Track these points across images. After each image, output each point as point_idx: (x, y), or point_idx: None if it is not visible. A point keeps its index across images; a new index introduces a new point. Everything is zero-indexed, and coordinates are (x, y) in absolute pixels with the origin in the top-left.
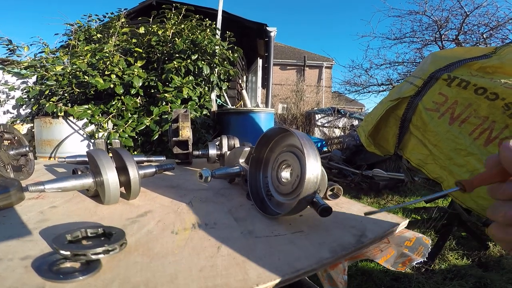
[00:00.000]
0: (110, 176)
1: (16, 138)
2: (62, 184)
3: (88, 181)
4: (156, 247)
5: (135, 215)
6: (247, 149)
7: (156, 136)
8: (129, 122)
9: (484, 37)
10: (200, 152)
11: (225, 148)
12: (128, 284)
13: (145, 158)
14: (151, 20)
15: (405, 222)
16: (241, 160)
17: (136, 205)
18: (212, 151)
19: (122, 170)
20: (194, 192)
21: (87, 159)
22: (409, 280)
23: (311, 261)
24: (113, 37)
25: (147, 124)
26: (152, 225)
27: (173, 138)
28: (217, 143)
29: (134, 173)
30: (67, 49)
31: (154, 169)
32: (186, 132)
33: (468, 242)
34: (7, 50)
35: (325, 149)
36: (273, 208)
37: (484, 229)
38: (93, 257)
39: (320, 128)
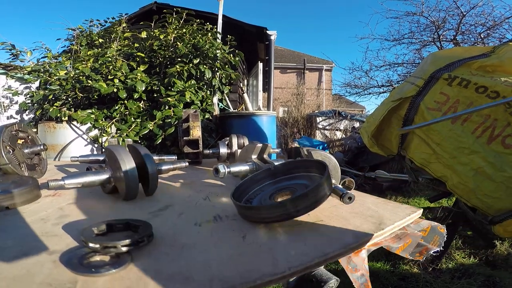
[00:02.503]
0: (130, 171)
1: (30, 137)
2: (82, 179)
3: (107, 176)
4: (182, 239)
5: (156, 209)
6: (260, 145)
7: (160, 140)
8: (133, 127)
9: (482, 36)
10: (211, 151)
11: (235, 147)
12: (162, 275)
13: (157, 157)
14: (152, 24)
15: (420, 211)
16: (254, 156)
17: (155, 200)
18: (223, 150)
19: (140, 165)
20: (209, 188)
21: (100, 158)
22: (416, 279)
23: (337, 245)
24: (115, 41)
25: (151, 128)
26: (175, 218)
27: (184, 138)
28: (226, 142)
29: (152, 168)
30: (69, 54)
31: (169, 166)
32: (197, 132)
33: (474, 241)
34: (10, 55)
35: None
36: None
37: (490, 227)
38: (123, 249)
39: (322, 130)
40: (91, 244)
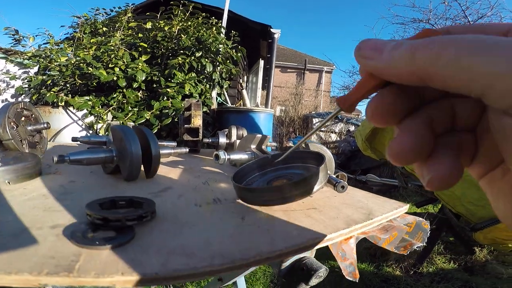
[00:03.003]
0: (135, 150)
1: (33, 115)
2: (87, 155)
3: (112, 154)
4: (183, 218)
5: (156, 190)
6: (259, 135)
7: (155, 131)
8: (129, 115)
9: None
10: (210, 140)
11: (234, 137)
12: (164, 250)
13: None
14: (158, 16)
15: (406, 206)
16: (253, 146)
17: (155, 182)
18: (222, 139)
19: (143, 147)
20: (208, 174)
21: (102, 140)
22: (398, 282)
23: (330, 230)
24: (119, 31)
25: (147, 117)
26: (175, 199)
27: (185, 125)
28: (225, 133)
29: (156, 150)
30: (72, 41)
31: (169, 151)
32: (198, 120)
33: (456, 247)
34: (12, 40)
35: None
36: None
37: (472, 234)
38: (128, 223)
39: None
40: (95, 218)
